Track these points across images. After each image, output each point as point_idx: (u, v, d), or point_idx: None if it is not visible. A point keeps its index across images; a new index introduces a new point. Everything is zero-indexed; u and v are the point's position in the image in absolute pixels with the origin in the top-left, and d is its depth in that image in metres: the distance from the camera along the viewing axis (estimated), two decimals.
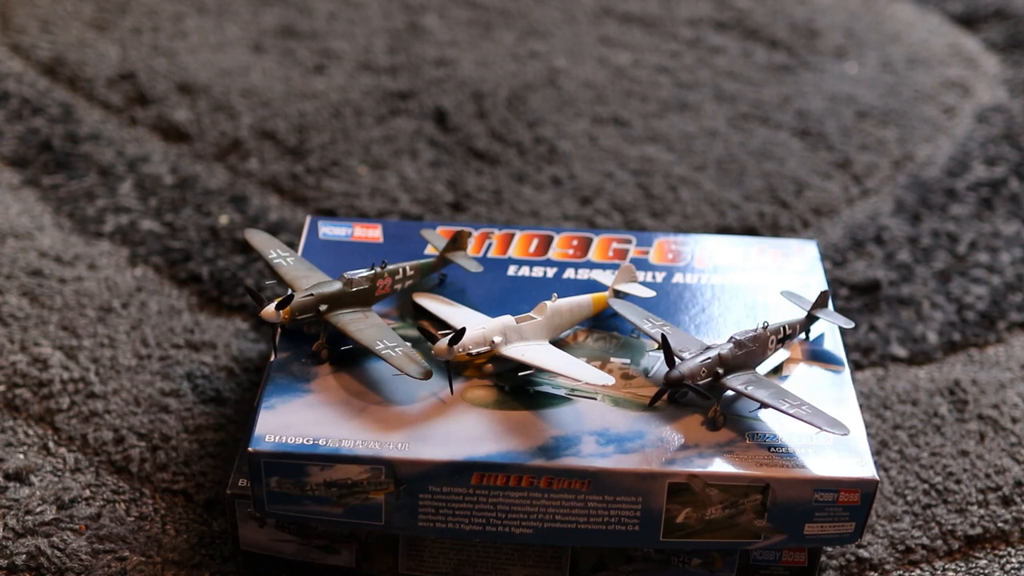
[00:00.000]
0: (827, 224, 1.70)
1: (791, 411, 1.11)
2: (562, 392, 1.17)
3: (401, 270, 1.27)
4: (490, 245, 1.37)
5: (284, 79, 1.93)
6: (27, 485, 1.24)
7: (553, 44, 2.07)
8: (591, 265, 1.36)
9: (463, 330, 1.14)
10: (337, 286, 1.20)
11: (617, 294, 1.30)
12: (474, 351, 1.16)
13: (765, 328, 1.20)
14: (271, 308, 1.16)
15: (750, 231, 1.68)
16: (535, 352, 1.17)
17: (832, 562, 1.23)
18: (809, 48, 2.11)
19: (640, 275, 1.34)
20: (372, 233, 1.39)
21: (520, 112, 1.88)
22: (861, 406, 1.28)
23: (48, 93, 1.86)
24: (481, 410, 1.15)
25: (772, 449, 1.12)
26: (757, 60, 2.07)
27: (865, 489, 1.11)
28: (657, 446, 1.12)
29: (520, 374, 1.17)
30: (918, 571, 1.23)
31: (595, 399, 1.17)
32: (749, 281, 1.35)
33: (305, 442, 1.10)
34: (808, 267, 1.38)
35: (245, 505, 1.15)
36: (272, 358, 1.20)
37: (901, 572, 1.23)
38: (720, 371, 1.14)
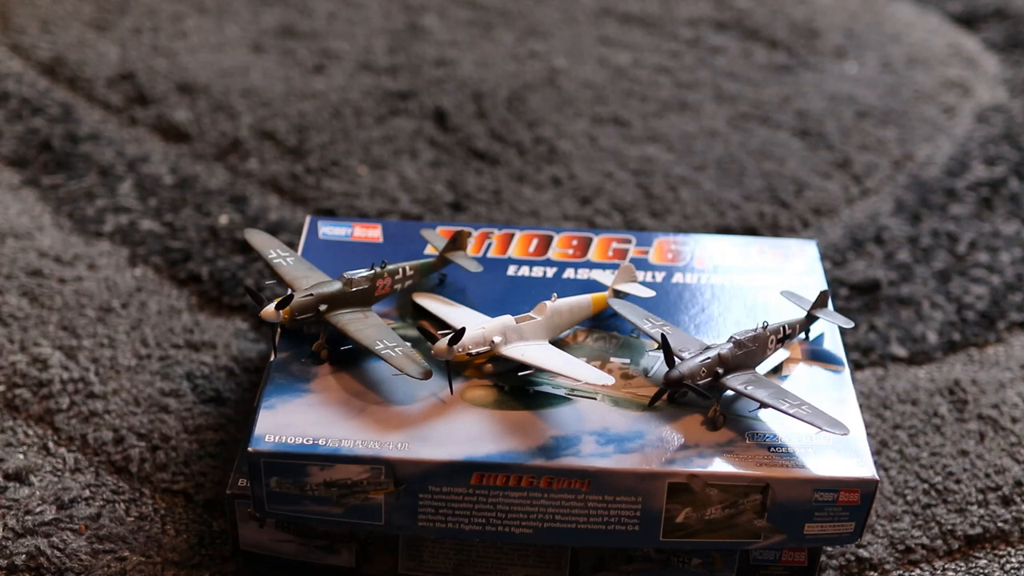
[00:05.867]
0: (827, 224, 1.70)
1: (791, 411, 1.11)
2: (562, 392, 1.17)
3: (401, 270, 1.27)
4: (490, 245, 1.37)
5: (284, 79, 1.93)
6: (27, 485, 1.24)
7: (553, 44, 2.07)
8: (591, 265, 1.36)
9: (463, 330, 1.14)
10: (337, 286, 1.20)
11: (617, 294, 1.30)
12: (474, 351, 1.16)
13: (765, 328, 1.20)
14: (271, 308, 1.16)
15: (750, 231, 1.68)
16: (535, 352, 1.17)
17: (832, 562, 1.23)
18: (809, 48, 2.11)
19: (640, 275, 1.34)
20: (372, 233, 1.39)
21: (520, 112, 1.88)
22: (861, 406, 1.28)
23: (48, 93, 1.86)
24: (481, 410, 1.15)
25: (772, 449, 1.12)
26: (757, 60, 2.07)
27: (865, 489, 1.11)
28: (657, 446, 1.12)
29: (520, 374, 1.17)
30: (918, 571, 1.23)
31: (595, 399, 1.17)
32: (749, 281, 1.35)
33: (305, 442, 1.10)
34: (808, 267, 1.38)
35: (245, 505, 1.15)
36: (272, 358, 1.20)
37: (901, 572, 1.23)
38: (720, 371, 1.14)
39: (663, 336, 1.15)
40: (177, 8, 2.09)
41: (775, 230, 1.69)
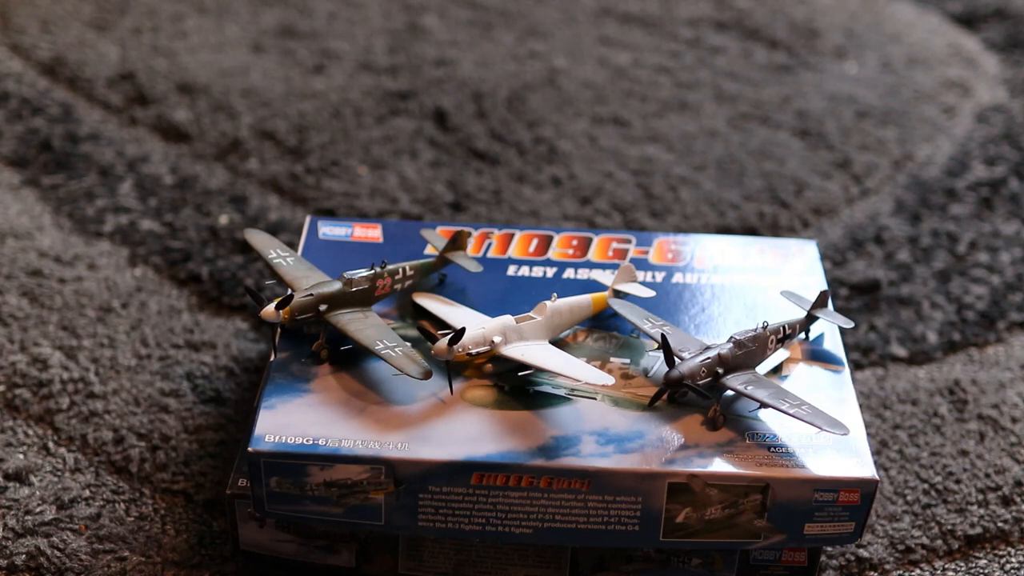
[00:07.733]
0: (827, 224, 1.70)
1: (791, 411, 1.11)
2: (562, 392, 1.17)
3: (401, 270, 1.27)
4: (490, 245, 1.37)
5: (284, 79, 1.93)
6: (27, 485, 1.24)
7: (553, 44, 2.07)
8: (591, 265, 1.36)
9: (463, 330, 1.14)
10: (337, 286, 1.20)
11: (617, 294, 1.30)
12: (474, 351, 1.16)
13: (765, 328, 1.20)
14: (271, 308, 1.16)
15: (750, 231, 1.68)
16: (535, 352, 1.17)
17: (832, 562, 1.23)
18: (809, 48, 2.11)
19: (640, 275, 1.34)
20: (372, 233, 1.39)
21: (520, 112, 1.88)
22: (861, 406, 1.28)
23: (48, 93, 1.86)
24: (481, 410, 1.15)
25: (772, 449, 1.12)
26: (757, 60, 2.07)
27: (865, 489, 1.11)
28: (657, 446, 1.12)
29: (520, 374, 1.17)
30: (918, 571, 1.23)
31: (595, 399, 1.17)
32: (749, 281, 1.35)
33: (305, 442, 1.10)
34: (808, 267, 1.38)
35: (245, 505, 1.15)
36: (272, 358, 1.20)
37: (901, 572, 1.23)
38: (720, 371, 1.14)
39: (663, 336, 1.15)
40: (177, 8, 2.09)
41: (775, 230, 1.69)
